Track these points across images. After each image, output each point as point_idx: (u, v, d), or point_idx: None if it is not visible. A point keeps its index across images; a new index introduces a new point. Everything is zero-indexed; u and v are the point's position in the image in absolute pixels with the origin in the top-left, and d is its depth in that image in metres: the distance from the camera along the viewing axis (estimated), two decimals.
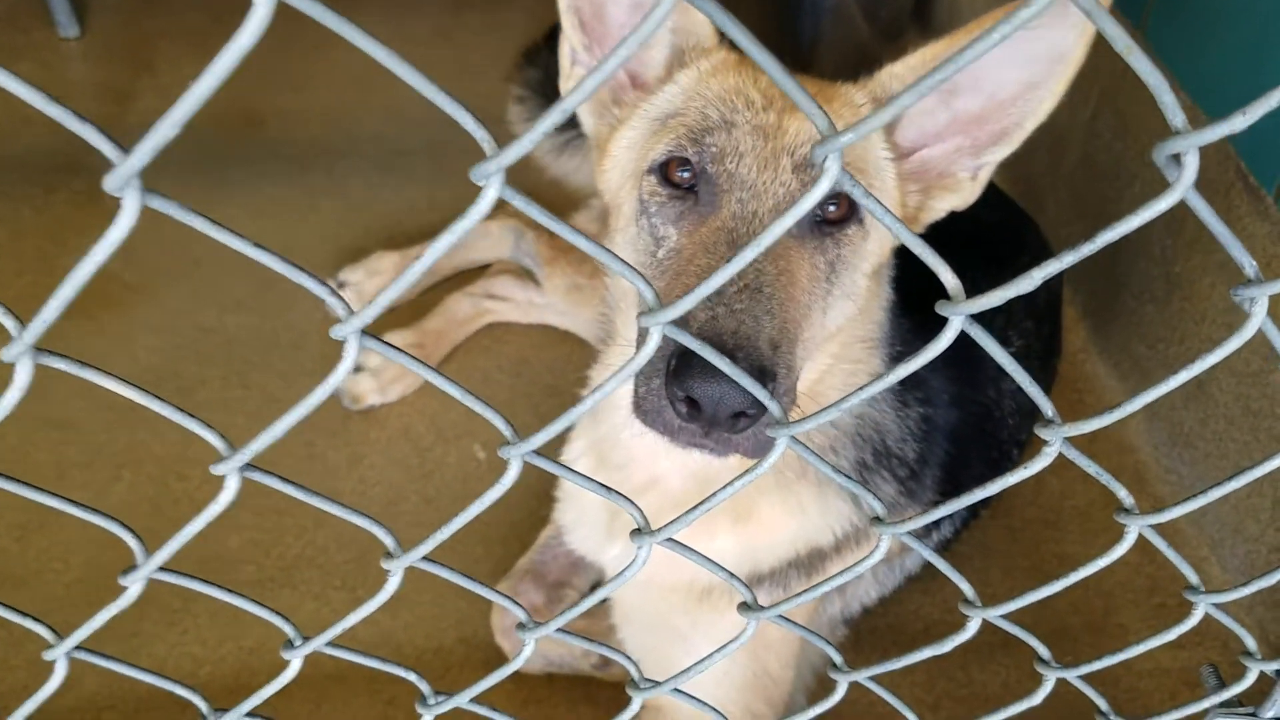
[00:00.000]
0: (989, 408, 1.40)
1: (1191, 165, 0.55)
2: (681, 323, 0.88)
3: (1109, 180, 1.88)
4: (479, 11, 2.86)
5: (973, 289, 1.55)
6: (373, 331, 0.56)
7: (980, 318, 1.50)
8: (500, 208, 2.20)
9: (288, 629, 0.76)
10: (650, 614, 1.32)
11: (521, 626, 0.83)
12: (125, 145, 0.44)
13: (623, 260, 0.61)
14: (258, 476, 0.61)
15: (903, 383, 1.24)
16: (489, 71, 2.52)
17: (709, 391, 0.84)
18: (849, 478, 0.79)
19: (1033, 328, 1.52)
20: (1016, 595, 0.87)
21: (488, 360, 2.06)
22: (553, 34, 2.32)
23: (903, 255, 1.14)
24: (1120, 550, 0.81)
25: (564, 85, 1.15)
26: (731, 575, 0.84)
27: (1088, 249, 0.57)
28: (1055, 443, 0.71)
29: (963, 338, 0.64)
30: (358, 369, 1.92)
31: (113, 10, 2.81)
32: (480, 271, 2.16)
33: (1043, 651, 0.96)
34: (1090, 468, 0.75)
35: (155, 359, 1.98)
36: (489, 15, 2.87)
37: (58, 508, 0.64)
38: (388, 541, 0.71)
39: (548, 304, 2.06)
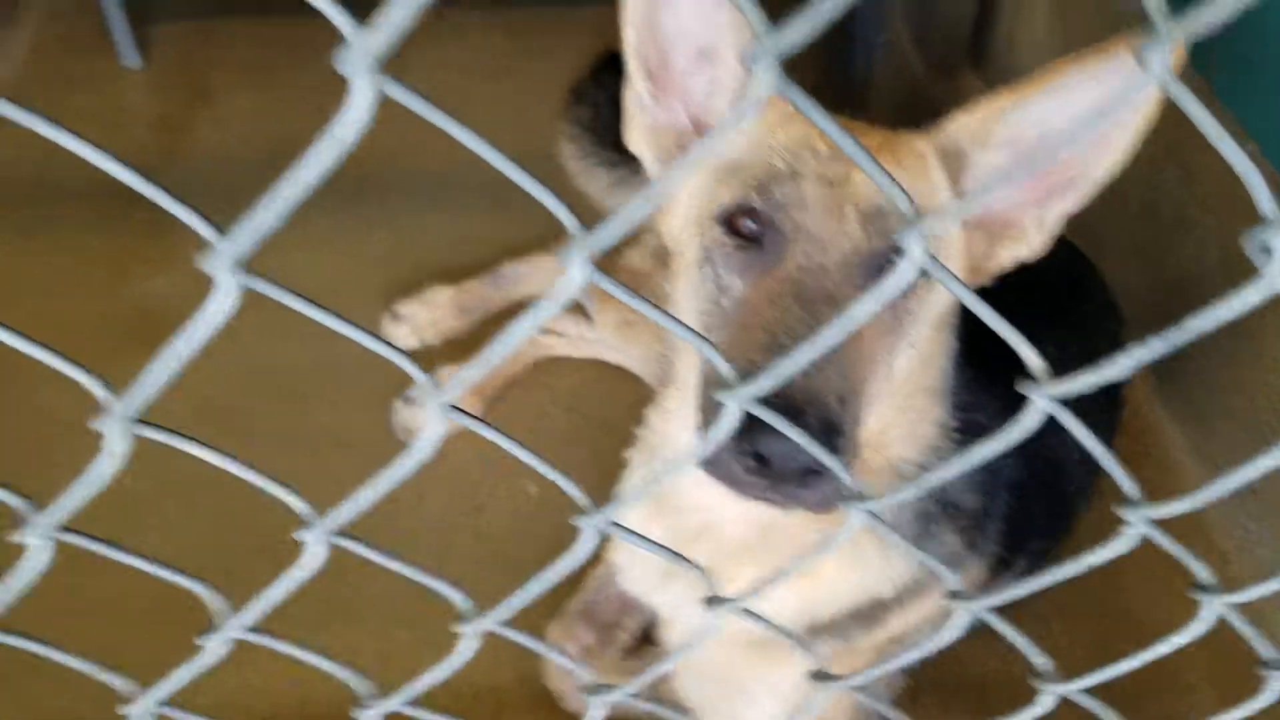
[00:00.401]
0: (1053, 459, 1.38)
1: None
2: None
3: (1171, 229, 1.85)
4: (534, 44, 2.87)
5: (1034, 338, 1.53)
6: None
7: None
8: (554, 239, 2.23)
9: (361, 688, 0.77)
10: (710, 665, 1.31)
11: (589, 689, 0.83)
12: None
13: (703, 336, 0.61)
14: (344, 543, 0.62)
15: (965, 433, 1.23)
16: (545, 104, 2.54)
17: (779, 448, 0.84)
18: (929, 552, 0.79)
19: (1104, 400, 1.50)
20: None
21: (542, 395, 2.06)
22: (598, 71, 2.33)
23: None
24: (1198, 630, 0.79)
25: (628, 132, 1.15)
26: (803, 640, 0.83)
27: (1178, 338, 0.56)
28: (1138, 524, 0.70)
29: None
30: (410, 400, 1.94)
31: (174, 41, 2.85)
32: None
33: None
34: (1171, 547, 0.74)
35: (212, 390, 2.00)
36: (543, 48, 2.88)
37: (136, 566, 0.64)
38: (463, 605, 0.71)
39: (600, 339, 2.06)
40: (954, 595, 0.79)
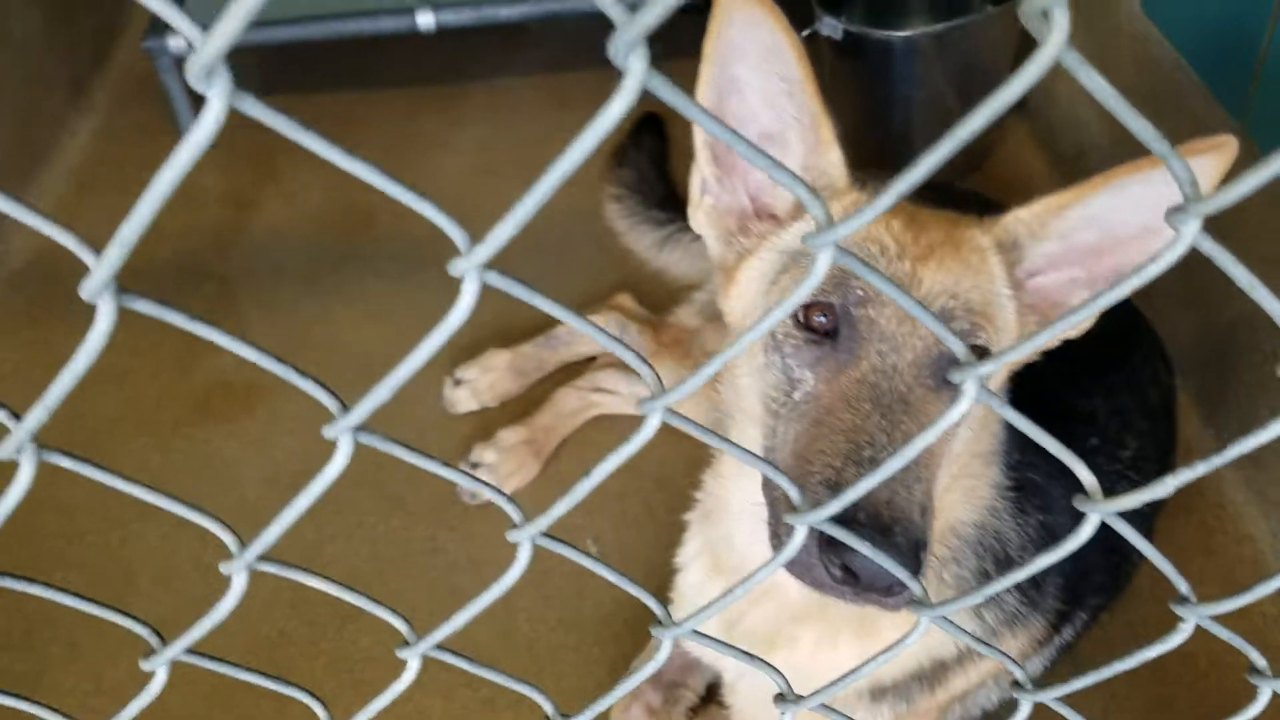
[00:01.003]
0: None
1: None
2: (834, 490, 0.89)
3: (1219, 273, 1.85)
4: (578, 110, 2.94)
5: (1083, 389, 1.56)
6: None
7: (1089, 422, 1.49)
8: (603, 300, 2.28)
9: None
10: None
11: None
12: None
13: (777, 468, 0.65)
14: (440, 655, 0.66)
15: (1021, 490, 1.25)
16: (593, 162, 2.61)
17: (870, 566, 0.87)
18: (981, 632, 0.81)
19: (1148, 428, 1.51)
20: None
21: (596, 453, 2.06)
22: (636, 134, 2.40)
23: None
24: (1254, 710, 0.82)
25: (692, 214, 1.18)
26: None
27: (1226, 456, 0.59)
28: (1191, 620, 0.73)
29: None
30: (475, 465, 1.99)
31: (232, 119, 2.95)
32: (586, 364, 2.22)
33: None
34: (1232, 640, 0.77)
35: (294, 463, 2.07)
36: (587, 113, 2.95)
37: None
38: (545, 705, 0.75)
39: None
40: (1016, 686, 0.81)
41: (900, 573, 0.78)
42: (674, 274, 2.25)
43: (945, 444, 1.03)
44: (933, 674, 1.27)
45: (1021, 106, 2.69)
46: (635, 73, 0.38)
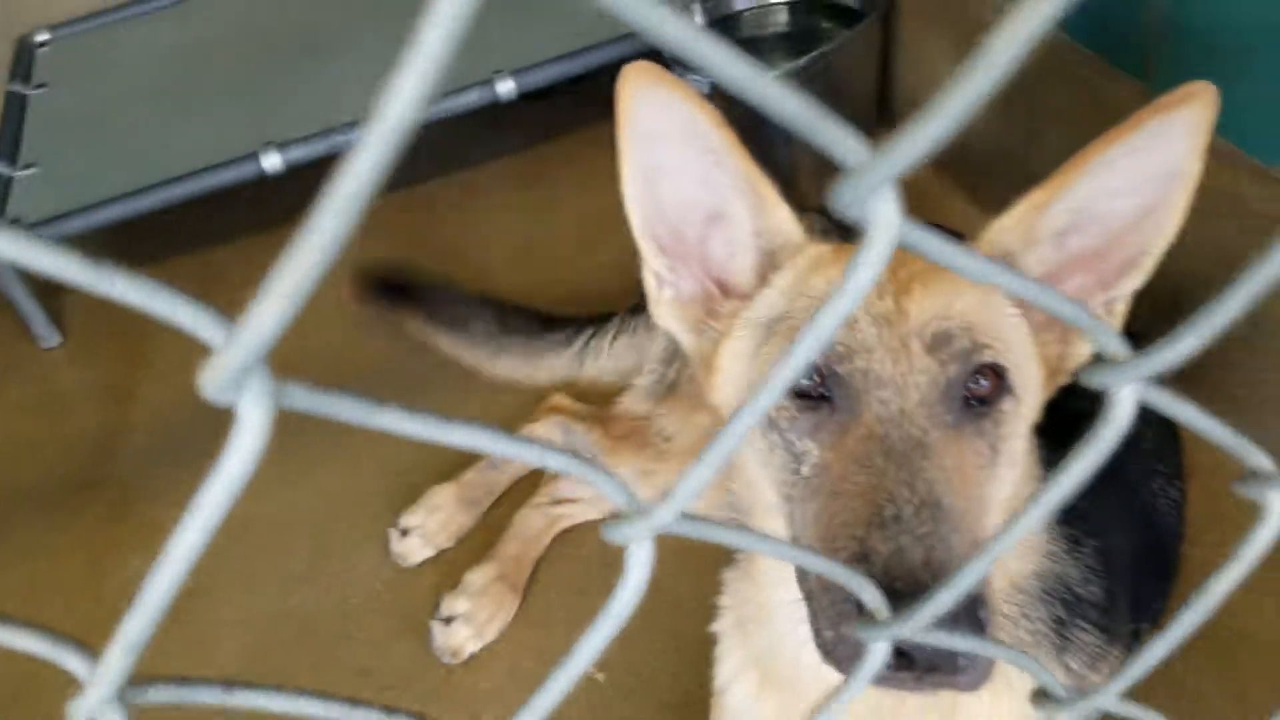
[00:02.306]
0: (1150, 513, 1.33)
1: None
2: (864, 563, 0.81)
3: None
4: (445, 215, 2.81)
5: (1075, 395, 1.48)
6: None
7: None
8: (538, 405, 2.14)
9: None
10: None
11: None
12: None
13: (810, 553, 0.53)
14: None
15: (1067, 522, 1.16)
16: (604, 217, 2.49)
17: (922, 644, 0.74)
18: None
19: (1156, 417, 1.45)
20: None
21: (575, 568, 1.96)
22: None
23: None
24: None
25: (654, 310, 1.09)
26: None
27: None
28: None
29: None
30: (448, 620, 1.82)
31: (88, 307, 2.75)
32: (538, 475, 2.08)
33: None
34: None
35: (240, 663, 1.87)
36: (453, 217, 2.84)
37: None
38: None
39: None
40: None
41: (962, 642, 0.66)
42: (606, 381, 2.11)
43: (985, 483, 0.93)
44: None
45: (890, 121, 2.69)
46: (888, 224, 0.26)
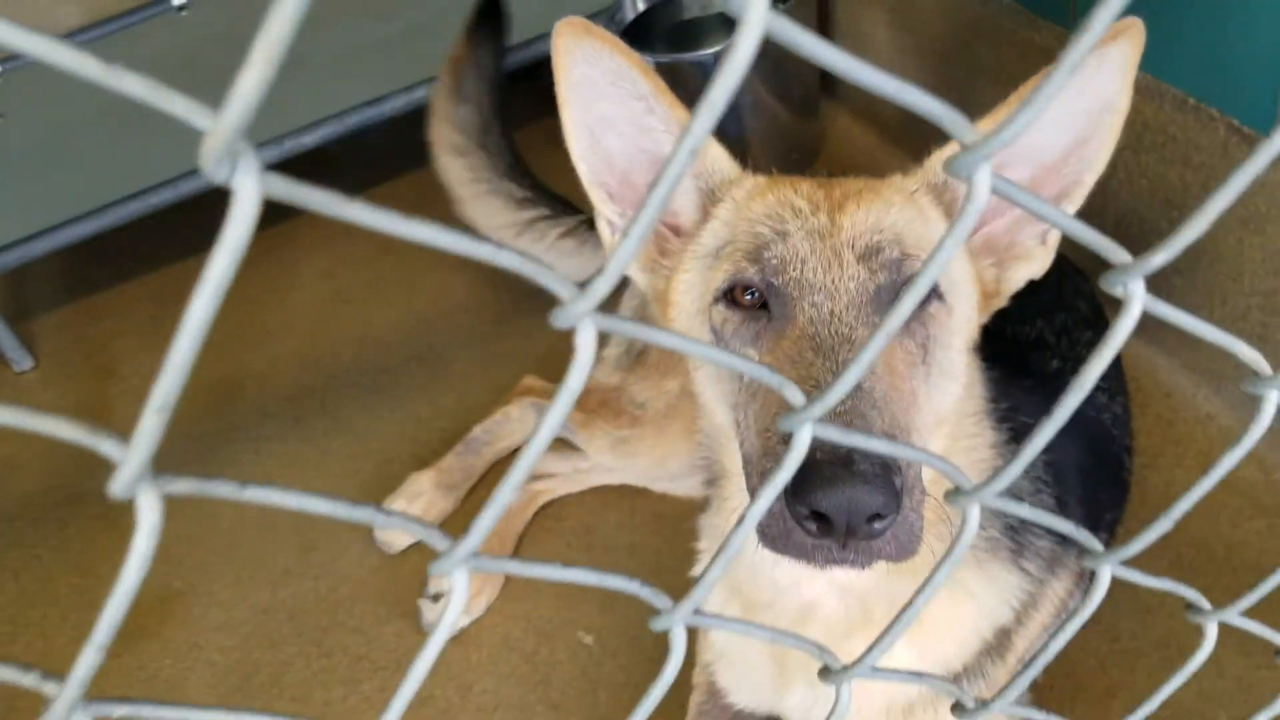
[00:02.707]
0: (1097, 429, 1.39)
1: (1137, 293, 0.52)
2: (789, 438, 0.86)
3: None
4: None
5: (1019, 320, 1.55)
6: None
7: (1042, 347, 1.48)
8: (512, 387, 2.18)
9: None
10: None
11: None
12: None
13: (764, 366, 0.57)
14: None
15: (1018, 439, 1.22)
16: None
17: (836, 501, 0.81)
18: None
19: (1092, 338, 1.52)
20: None
21: (555, 540, 2.01)
22: (476, 42, 1.97)
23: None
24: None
25: (609, 255, 1.14)
26: (944, 681, 0.80)
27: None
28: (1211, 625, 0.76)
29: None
30: (437, 597, 1.86)
31: (58, 329, 2.77)
32: (514, 458, 2.11)
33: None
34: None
35: (232, 658, 1.90)
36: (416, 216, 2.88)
37: None
38: None
39: (593, 465, 2.02)
40: (1088, 555, 0.75)
41: (870, 495, 0.76)
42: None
43: (914, 381, 0.98)
44: (998, 644, 1.21)
45: (830, 92, 2.75)
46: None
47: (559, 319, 0.42)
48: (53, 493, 2.33)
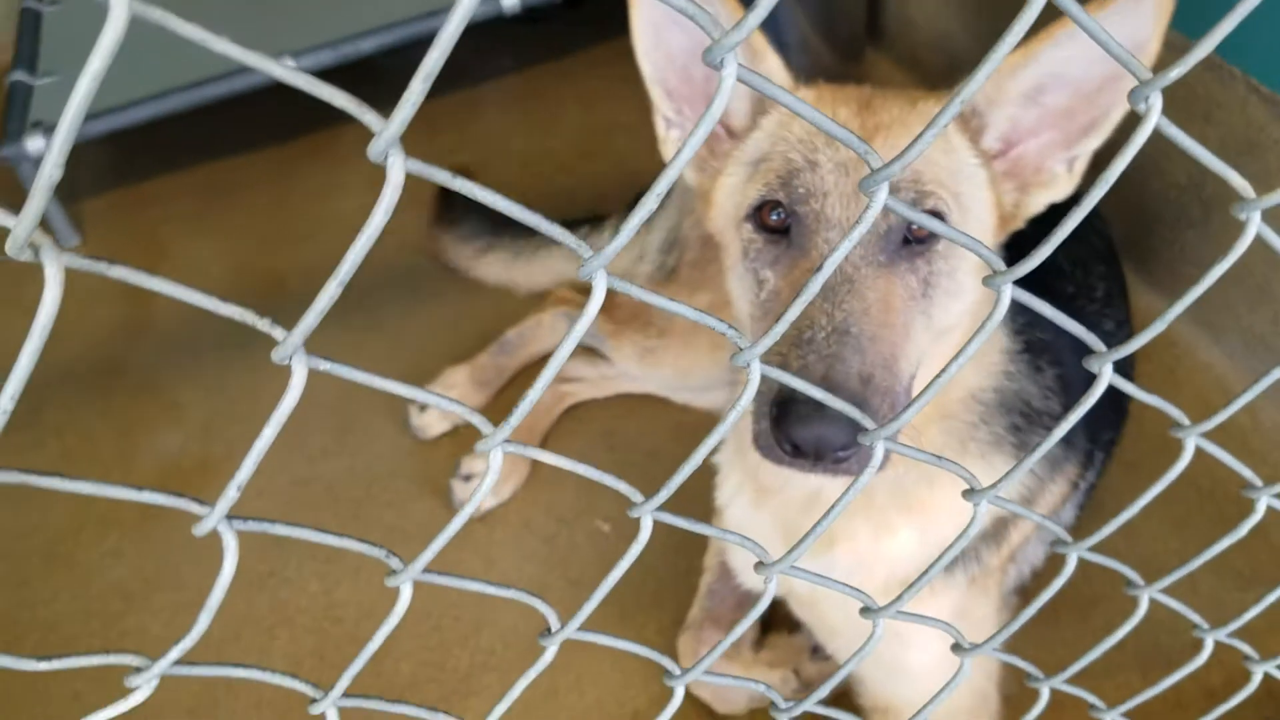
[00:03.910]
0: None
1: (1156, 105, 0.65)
2: (781, 366, 0.97)
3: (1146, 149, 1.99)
4: (448, 132, 2.91)
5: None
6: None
7: (1059, 274, 1.57)
8: (545, 297, 2.29)
9: None
10: (858, 624, 1.37)
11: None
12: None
13: (712, 316, 0.68)
14: (431, 578, 0.69)
15: (1031, 350, 1.32)
16: (563, 143, 2.61)
17: (806, 436, 0.95)
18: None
19: (1106, 271, 1.61)
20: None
21: (578, 441, 2.11)
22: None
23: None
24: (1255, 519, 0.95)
25: (663, 149, 1.22)
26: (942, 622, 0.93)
27: (1190, 297, 0.72)
28: (1191, 442, 0.88)
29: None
30: (468, 478, 1.98)
31: (106, 211, 2.86)
32: (546, 361, 2.21)
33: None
34: (1224, 456, 0.91)
35: (270, 519, 2.01)
36: (456, 133, 2.96)
37: (228, 675, 0.69)
38: (549, 615, 0.78)
39: (620, 373, 2.12)
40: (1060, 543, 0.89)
41: (835, 434, 0.91)
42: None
43: (913, 313, 1.07)
44: (995, 532, 1.32)
45: (876, 39, 2.82)
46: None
47: (582, 271, 0.57)
48: (97, 362, 2.43)
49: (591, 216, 2.28)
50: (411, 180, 0.50)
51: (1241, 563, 1.66)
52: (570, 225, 2.25)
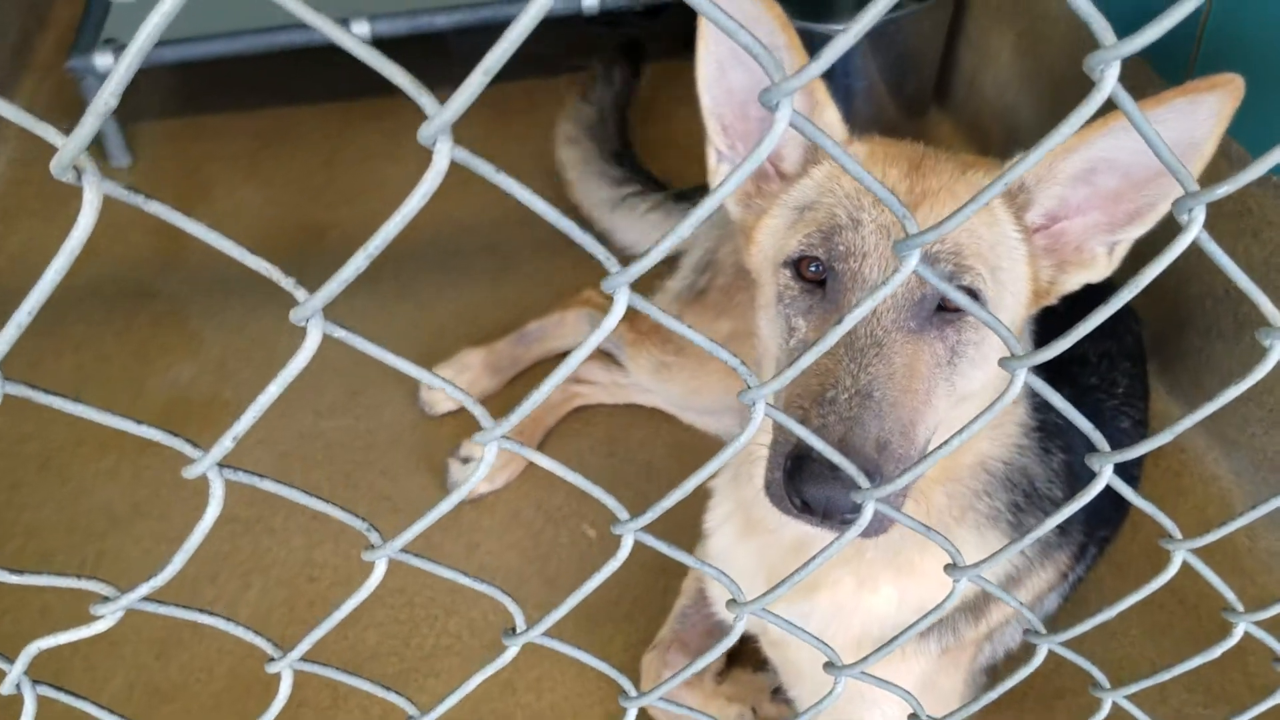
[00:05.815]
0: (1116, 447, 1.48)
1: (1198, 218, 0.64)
2: (802, 421, 1.00)
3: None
4: (514, 117, 2.89)
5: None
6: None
7: (1083, 364, 1.57)
8: (573, 295, 2.30)
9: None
10: (824, 673, 1.37)
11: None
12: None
13: (726, 349, 0.69)
14: (406, 559, 0.70)
15: (1044, 433, 1.32)
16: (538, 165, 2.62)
17: (817, 496, 0.98)
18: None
19: (1130, 369, 1.61)
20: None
21: (580, 442, 2.12)
22: (610, 64, 2.53)
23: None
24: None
25: (711, 181, 1.23)
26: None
27: (1208, 409, 0.73)
28: (1179, 555, 0.87)
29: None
30: (466, 460, 1.98)
31: (161, 138, 2.89)
32: (560, 360, 2.22)
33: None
34: (1210, 576, 0.91)
35: (264, 469, 2.01)
36: (523, 119, 2.97)
37: (194, 620, 0.71)
38: (517, 616, 0.80)
39: (633, 383, 2.12)
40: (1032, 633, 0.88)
41: (846, 499, 0.92)
42: (620, 240, 2.30)
43: (935, 380, 1.08)
44: (976, 606, 1.32)
45: (942, 98, 2.82)
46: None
47: (605, 284, 0.58)
48: (126, 285, 2.46)
49: (651, 177, 2.38)
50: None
51: (1214, 678, 1.65)
52: (633, 172, 2.34)
